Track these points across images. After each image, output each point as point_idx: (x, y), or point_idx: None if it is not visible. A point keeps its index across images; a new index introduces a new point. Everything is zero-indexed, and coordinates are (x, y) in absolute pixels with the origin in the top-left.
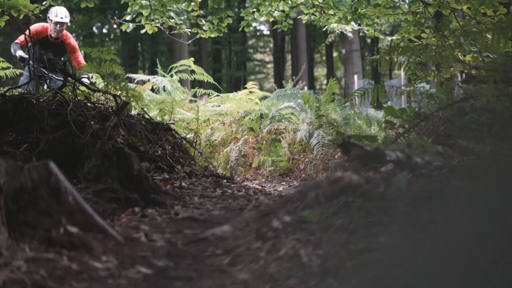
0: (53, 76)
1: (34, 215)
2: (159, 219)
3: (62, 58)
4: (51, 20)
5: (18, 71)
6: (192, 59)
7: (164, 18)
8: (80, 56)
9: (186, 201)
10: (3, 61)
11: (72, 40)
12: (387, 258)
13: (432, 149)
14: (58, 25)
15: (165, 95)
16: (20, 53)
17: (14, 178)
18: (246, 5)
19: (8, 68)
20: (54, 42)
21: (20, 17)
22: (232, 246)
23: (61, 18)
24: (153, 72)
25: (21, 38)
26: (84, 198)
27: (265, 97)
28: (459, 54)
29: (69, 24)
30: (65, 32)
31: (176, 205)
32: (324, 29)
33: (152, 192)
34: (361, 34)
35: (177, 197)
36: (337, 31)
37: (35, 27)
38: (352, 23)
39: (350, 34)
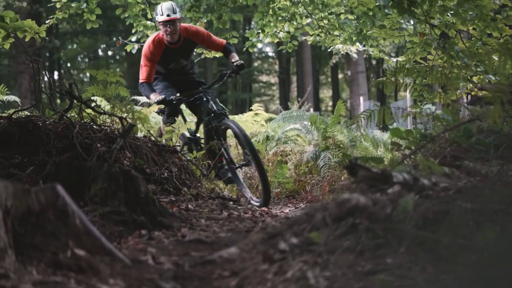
0: (202, 86)
1: (41, 238)
2: (166, 242)
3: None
4: (159, 23)
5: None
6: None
7: None
8: (215, 37)
9: (193, 223)
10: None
11: (195, 30)
12: (395, 280)
13: (439, 170)
14: (168, 26)
15: None
16: (154, 97)
17: (21, 201)
18: (251, 26)
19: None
20: (177, 46)
21: (26, 39)
22: (239, 268)
23: (168, 15)
24: None
25: (143, 73)
26: (91, 220)
27: (270, 119)
28: (466, 74)
29: (180, 17)
30: (182, 26)
31: (183, 227)
32: (329, 50)
33: (159, 214)
34: (365, 56)
35: (184, 220)
36: (342, 52)
37: (146, 46)
38: (357, 44)
39: (355, 55)
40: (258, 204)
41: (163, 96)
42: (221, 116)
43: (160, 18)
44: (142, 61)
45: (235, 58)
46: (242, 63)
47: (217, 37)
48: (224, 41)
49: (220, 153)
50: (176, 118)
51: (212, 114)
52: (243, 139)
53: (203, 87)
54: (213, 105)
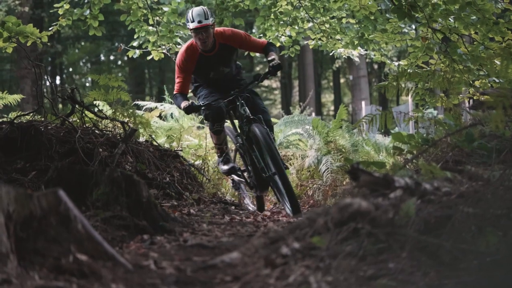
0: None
1: (44, 243)
2: (168, 246)
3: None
4: (190, 30)
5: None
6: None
7: (171, 44)
8: (254, 38)
9: (195, 228)
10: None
11: (230, 33)
12: (397, 285)
13: (441, 175)
14: (201, 33)
15: (173, 122)
16: (183, 105)
17: (23, 206)
18: (253, 30)
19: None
20: (213, 54)
21: (28, 44)
22: (241, 273)
23: (199, 21)
24: (160, 99)
25: (176, 86)
26: (93, 225)
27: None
28: (468, 79)
29: (213, 22)
30: (217, 31)
31: (185, 232)
32: (331, 54)
33: (161, 219)
34: (367, 60)
35: (186, 224)
36: (343, 56)
37: (179, 55)
38: (359, 48)
39: (356, 59)
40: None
41: (190, 102)
42: (251, 121)
43: (191, 25)
44: (176, 72)
45: (272, 57)
46: (279, 64)
47: (256, 38)
48: (265, 42)
49: (251, 161)
50: (221, 125)
51: (245, 120)
52: (265, 146)
53: (235, 91)
54: (246, 109)
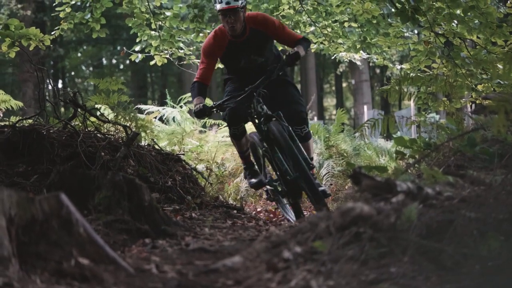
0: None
1: (45, 247)
2: (169, 250)
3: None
4: (218, 12)
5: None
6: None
7: (173, 49)
8: (289, 31)
9: (197, 232)
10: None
11: (262, 18)
12: None
13: (443, 179)
14: (228, 15)
15: (175, 126)
16: (194, 104)
17: (25, 210)
18: None
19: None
20: (243, 40)
21: (31, 48)
22: (243, 277)
23: (227, 2)
24: (162, 103)
25: (198, 72)
26: (95, 229)
27: None
28: (471, 83)
29: (244, 4)
30: (249, 15)
31: (187, 236)
32: (333, 58)
33: (163, 223)
34: (371, 64)
35: (188, 228)
36: (345, 60)
37: (206, 40)
38: (361, 51)
39: (358, 63)
40: None
41: (201, 104)
42: (268, 119)
43: (218, 6)
44: (201, 57)
45: (295, 47)
46: (296, 52)
47: (292, 31)
48: (300, 36)
49: (276, 165)
50: (238, 128)
51: (262, 118)
52: (284, 146)
53: (249, 87)
54: (263, 106)
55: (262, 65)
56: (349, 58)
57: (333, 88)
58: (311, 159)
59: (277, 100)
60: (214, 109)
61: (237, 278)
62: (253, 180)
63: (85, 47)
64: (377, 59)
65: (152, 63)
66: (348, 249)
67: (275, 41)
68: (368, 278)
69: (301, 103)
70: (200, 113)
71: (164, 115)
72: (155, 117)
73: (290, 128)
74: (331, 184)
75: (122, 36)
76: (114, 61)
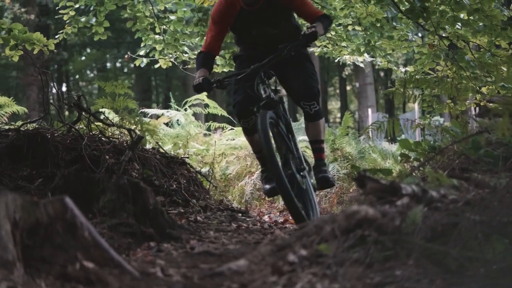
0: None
1: (50, 251)
2: (174, 254)
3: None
4: None
5: (23, 109)
6: (206, 93)
7: (178, 53)
8: (310, 5)
9: (202, 235)
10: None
11: None
12: None
13: (448, 182)
14: None
15: (180, 129)
16: (196, 80)
17: (29, 214)
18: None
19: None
20: (256, 8)
21: (35, 52)
22: (248, 280)
23: None
24: (167, 106)
25: (205, 40)
26: (99, 233)
27: None
28: (475, 85)
29: None
30: None
31: (192, 239)
32: (336, 61)
33: (168, 226)
34: (377, 66)
35: (193, 231)
36: (349, 62)
37: (215, 5)
38: (365, 54)
39: (362, 65)
40: None
41: (202, 77)
42: (265, 105)
43: None
44: (209, 25)
45: (313, 25)
46: (312, 32)
47: (313, 6)
48: (322, 12)
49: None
50: (248, 122)
51: (262, 103)
52: (264, 148)
53: (255, 65)
54: (265, 88)
55: (276, 38)
56: (352, 61)
57: (337, 91)
58: (321, 141)
59: (287, 74)
60: (214, 85)
61: (242, 282)
62: (267, 186)
63: (89, 51)
64: (381, 62)
65: (156, 66)
66: (353, 252)
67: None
68: (373, 281)
69: (313, 77)
70: (198, 87)
71: (171, 119)
72: (165, 123)
73: (291, 121)
74: (336, 187)
75: (126, 40)
76: (118, 64)
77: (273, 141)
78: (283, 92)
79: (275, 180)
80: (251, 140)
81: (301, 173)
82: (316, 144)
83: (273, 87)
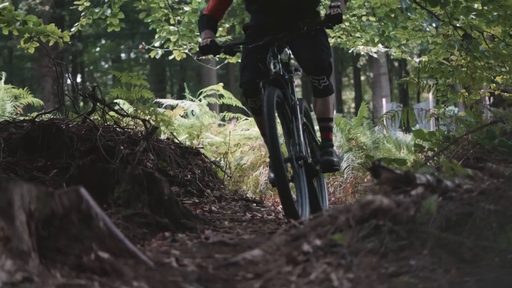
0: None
1: (65, 241)
2: (189, 244)
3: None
4: None
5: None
6: (221, 84)
7: (192, 44)
8: None
9: (216, 225)
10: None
11: None
12: (418, 282)
13: (462, 172)
14: None
15: (194, 119)
16: (202, 41)
17: (45, 204)
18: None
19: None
20: None
21: (50, 44)
22: (263, 270)
23: None
24: (181, 96)
25: (209, 4)
26: (114, 223)
27: None
28: (490, 75)
29: None
30: None
31: (206, 229)
32: (350, 51)
33: (182, 216)
34: (391, 56)
35: (207, 222)
36: (363, 53)
37: None
38: (379, 45)
39: (375, 55)
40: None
41: (209, 39)
42: (273, 81)
43: None
44: None
45: (335, 3)
46: (337, 14)
47: None
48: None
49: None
50: (255, 101)
51: (270, 78)
52: (267, 126)
53: (269, 38)
54: (276, 64)
55: (289, 5)
56: (366, 52)
57: (352, 81)
58: (330, 119)
59: (297, 44)
60: (223, 50)
61: (257, 271)
62: (272, 175)
63: (103, 41)
64: (395, 52)
65: (171, 58)
66: (368, 241)
67: None
68: (387, 271)
69: (325, 50)
70: (205, 49)
71: (186, 110)
72: (181, 115)
73: (298, 102)
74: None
75: (140, 30)
76: (133, 55)
77: (278, 124)
78: (296, 66)
79: (273, 166)
80: (259, 121)
81: (299, 162)
82: (324, 122)
83: (284, 62)
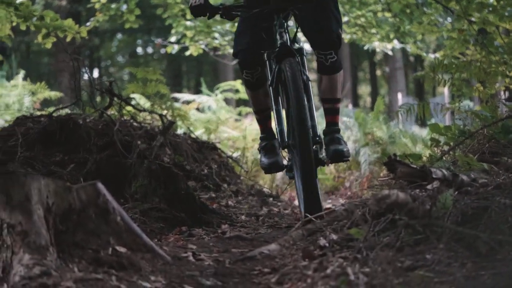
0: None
1: (83, 236)
2: (206, 238)
3: None
4: None
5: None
6: (239, 80)
7: (209, 39)
8: None
9: (233, 219)
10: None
11: None
12: (434, 276)
13: (478, 166)
14: None
15: (211, 114)
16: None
17: (62, 199)
18: (290, 24)
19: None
20: None
21: (67, 39)
22: (280, 265)
23: None
24: (198, 91)
25: None
26: (131, 217)
27: None
28: (505, 70)
29: None
30: None
31: (223, 224)
32: (366, 48)
33: (199, 211)
34: (408, 51)
35: (224, 216)
36: (378, 50)
37: None
38: (395, 41)
39: (390, 53)
40: None
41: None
42: (285, 53)
43: None
44: None
45: None
46: None
47: None
48: None
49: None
50: (252, 73)
51: (276, 50)
52: (293, 99)
53: (276, 3)
54: (283, 34)
55: None
56: (382, 48)
57: (367, 75)
58: (337, 100)
59: (303, 11)
60: (220, 12)
61: (273, 266)
62: (265, 160)
63: (120, 36)
64: (410, 48)
65: (187, 53)
66: (384, 236)
67: None
68: (403, 265)
69: (335, 20)
70: (198, 10)
71: (201, 105)
72: (196, 108)
73: (309, 80)
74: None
75: (156, 25)
76: (150, 50)
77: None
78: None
79: (300, 151)
80: (254, 96)
81: (314, 147)
82: (330, 103)
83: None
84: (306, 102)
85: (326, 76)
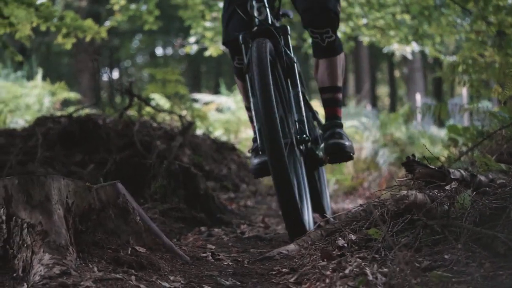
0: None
1: (102, 235)
2: (225, 238)
3: None
4: None
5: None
6: None
7: None
8: None
9: (252, 220)
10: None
11: None
12: (452, 276)
13: (496, 167)
14: None
15: (230, 115)
16: None
17: (82, 199)
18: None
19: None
20: None
21: (87, 39)
22: (298, 265)
23: None
24: (217, 91)
25: None
26: (151, 218)
27: None
28: None
29: None
30: None
31: (242, 224)
32: (385, 51)
33: (218, 211)
34: (427, 54)
35: (243, 216)
36: (396, 52)
37: None
38: (413, 43)
39: (409, 56)
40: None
41: None
42: (260, 32)
43: None
44: None
45: None
46: None
47: None
48: None
49: None
50: (241, 59)
51: (254, 28)
52: (256, 83)
53: None
54: (262, 9)
55: None
56: (401, 51)
57: (386, 76)
58: (337, 89)
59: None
60: None
61: (292, 266)
62: (255, 161)
63: (139, 37)
64: (429, 50)
65: (207, 54)
66: (402, 236)
67: None
68: (422, 265)
69: None
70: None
71: (220, 106)
72: (216, 109)
73: (294, 59)
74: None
75: (175, 26)
76: (169, 51)
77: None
78: (284, 10)
79: (270, 152)
80: (244, 88)
81: (300, 147)
82: (330, 92)
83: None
84: (274, 91)
85: (323, 60)
